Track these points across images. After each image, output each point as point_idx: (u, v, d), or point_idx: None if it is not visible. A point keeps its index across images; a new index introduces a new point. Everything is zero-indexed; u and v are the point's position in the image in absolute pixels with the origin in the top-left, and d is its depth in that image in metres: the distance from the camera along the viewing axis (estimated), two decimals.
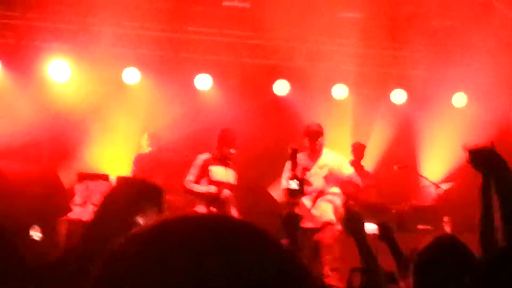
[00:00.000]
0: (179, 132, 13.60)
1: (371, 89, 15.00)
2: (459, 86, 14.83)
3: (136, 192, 2.62)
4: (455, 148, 14.71)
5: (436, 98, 14.85)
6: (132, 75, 14.02)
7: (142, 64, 14.02)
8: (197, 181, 10.49)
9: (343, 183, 10.49)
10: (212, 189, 10.37)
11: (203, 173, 10.47)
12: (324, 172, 10.33)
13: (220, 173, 10.48)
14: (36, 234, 10.73)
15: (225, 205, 10.39)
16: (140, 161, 12.40)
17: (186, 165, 10.87)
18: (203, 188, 10.42)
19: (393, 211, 12.36)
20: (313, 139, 10.29)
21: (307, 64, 14.61)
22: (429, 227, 12.23)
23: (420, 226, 12.23)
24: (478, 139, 14.95)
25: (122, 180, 2.73)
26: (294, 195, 9.53)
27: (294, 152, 9.73)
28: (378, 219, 6.99)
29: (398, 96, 15.10)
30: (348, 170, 10.57)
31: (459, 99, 15.07)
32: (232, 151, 10.45)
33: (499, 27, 13.05)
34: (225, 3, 13.38)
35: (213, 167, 10.47)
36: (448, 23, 13.70)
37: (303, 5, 13.04)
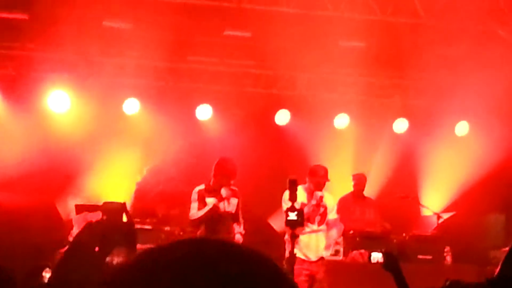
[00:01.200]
0: (179, 163, 13.50)
1: (373, 118, 14.92)
2: (461, 115, 14.75)
3: (102, 235, 2.54)
4: (457, 177, 14.70)
5: (438, 127, 14.78)
6: (132, 106, 13.96)
7: (142, 95, 13.96)
8: None
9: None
10: (211, 203, 10.20)
11: (203, 204, 10.31)
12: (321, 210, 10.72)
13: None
14: (47, 275, 10.67)
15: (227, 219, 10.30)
16: (140, 191, 12.28)
17: (185, 196, 10.74)
18: (205, 209, 10.25)
19: (394, 240, 12.25)
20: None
21: (309, 94, 14.55)
22: (430, 257, 12.14)
23: (420, 256, 12.13)
24: (480, 168, 14.77)
25: (88, 225, 2.63)
26: (293, 226, 9.49)
27: (293, 183, 9.64)
28: (380, 249, 6.91)
29: (400, 125, 15.03)
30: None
31: (462, 128, 14.99)
32: (232, 182, 10.27)
33: (503, 55, 12.97)
34: (226, 33, 13.31)
35: (207, 199, 10.30)
36: (451, 52, 13.62)
37: (305, 34, 12.97)
